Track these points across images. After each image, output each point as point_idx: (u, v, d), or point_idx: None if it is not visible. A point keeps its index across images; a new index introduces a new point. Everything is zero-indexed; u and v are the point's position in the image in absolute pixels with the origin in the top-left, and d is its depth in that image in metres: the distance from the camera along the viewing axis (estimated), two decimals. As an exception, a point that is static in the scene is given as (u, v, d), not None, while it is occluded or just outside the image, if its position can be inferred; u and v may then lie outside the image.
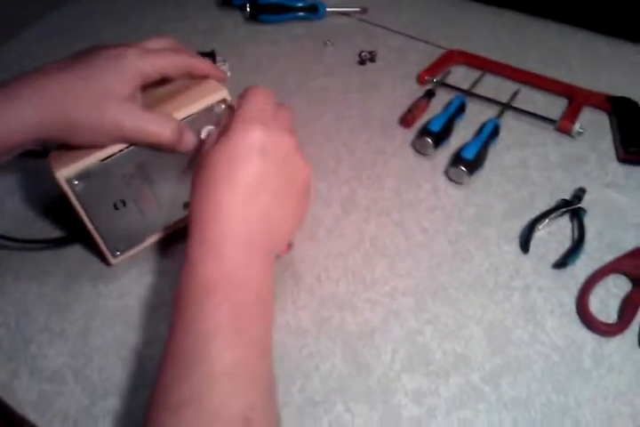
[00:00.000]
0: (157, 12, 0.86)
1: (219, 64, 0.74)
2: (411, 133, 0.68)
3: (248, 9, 0.82)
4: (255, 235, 0.40)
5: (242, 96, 0.45)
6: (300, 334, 0.51)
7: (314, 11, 0.83)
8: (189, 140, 0.49)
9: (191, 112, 0.49)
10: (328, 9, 0.84)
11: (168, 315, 0.39)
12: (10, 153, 0.46)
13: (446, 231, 0.59)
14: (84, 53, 0.46)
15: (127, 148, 0.47)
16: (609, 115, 0.70)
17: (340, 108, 0.71)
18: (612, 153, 0.66)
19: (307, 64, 0.77)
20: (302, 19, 0.84)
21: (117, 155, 0.47)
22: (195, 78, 0.51)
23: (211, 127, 0.50)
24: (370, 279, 0.55)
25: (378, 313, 0.52)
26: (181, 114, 0.49)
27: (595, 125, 0.69)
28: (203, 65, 0.51)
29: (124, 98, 0.45)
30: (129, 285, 0.54)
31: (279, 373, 0.48)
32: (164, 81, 0.50)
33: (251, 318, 0.38)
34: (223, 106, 0.50)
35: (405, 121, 0.69)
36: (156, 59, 0.47)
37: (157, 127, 0.46)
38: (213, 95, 0.50)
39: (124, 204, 0.51)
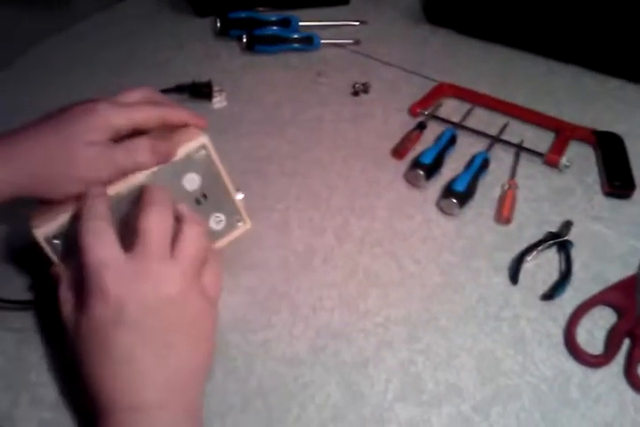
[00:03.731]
0: (153, 40, 0.88)
1: (215, 94, 0.76)
2: (403, 165, 0.69)
3: (244, 39, 0.84)
4: None
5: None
6: (296, 363, 0.52)
7: (309, 42, 0.85)
8: (164, 149, 0.48)
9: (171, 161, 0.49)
10: (322, 40, 0.86)
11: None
12: None
13: (438, 262, 0.60)
14: (57, 111, 0.47)
15: None
16: (594, 149, 0.72)
17: (333, 138, 0.73)
18: (597, 186, 0.68)
19: (301, 94, 0.79)
20: (297, 50, 0.86)
21: None
22: (173, 127, 0.51)
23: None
24: (363, 309, 0.56)
25: (371, 343, 0.53)
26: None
27: (581, 159, 0.71)
28: (179, 114, 0.50)
29: (92, 142, 0.46)
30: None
31: (275, 402, 0.49)
32: (142, 131, 0.49)
33: None
34: (204, 152, 0.50)
35: (398, 153, 0.70)
36: (126, 112, 0.47)
37: (126, 153, 0.47)
38: (192, 142, 0.49)
39: None
